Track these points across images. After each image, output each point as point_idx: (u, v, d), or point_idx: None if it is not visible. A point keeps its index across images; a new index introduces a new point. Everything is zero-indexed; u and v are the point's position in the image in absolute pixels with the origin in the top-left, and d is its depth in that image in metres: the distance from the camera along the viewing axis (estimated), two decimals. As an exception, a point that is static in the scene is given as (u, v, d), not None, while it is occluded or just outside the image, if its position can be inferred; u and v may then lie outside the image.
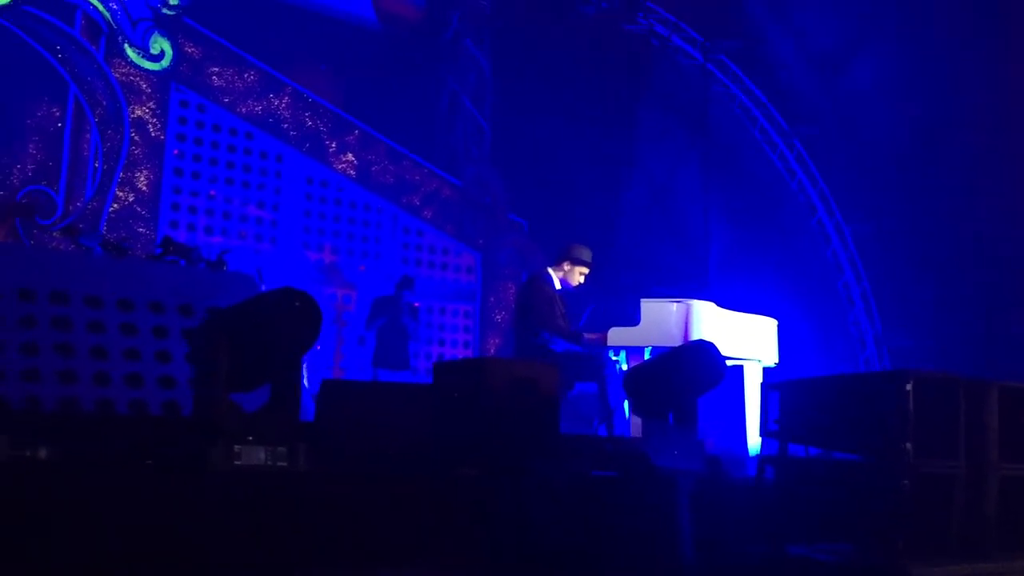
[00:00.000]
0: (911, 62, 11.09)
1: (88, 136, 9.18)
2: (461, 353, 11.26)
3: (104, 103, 9.24)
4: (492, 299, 11.53)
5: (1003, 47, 10.72)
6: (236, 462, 3.45)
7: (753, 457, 5.81)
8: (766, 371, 6.67)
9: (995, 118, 10.83)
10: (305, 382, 6.63)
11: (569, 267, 6.49)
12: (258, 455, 3.52)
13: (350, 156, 10.72)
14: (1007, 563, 3.47)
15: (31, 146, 8.93)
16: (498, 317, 11.47)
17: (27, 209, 7.61)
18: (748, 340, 6.48)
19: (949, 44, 10.77)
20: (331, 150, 10.63)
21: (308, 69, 10.54)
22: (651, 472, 4.42)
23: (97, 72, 9.21)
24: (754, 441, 6.17)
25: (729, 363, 5.58)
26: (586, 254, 6.52)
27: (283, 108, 10.34)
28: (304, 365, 4.72)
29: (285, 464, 3.59)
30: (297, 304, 3.76)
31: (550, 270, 6.52)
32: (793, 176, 12.90)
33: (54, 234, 8.65)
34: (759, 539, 3.82)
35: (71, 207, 9.01)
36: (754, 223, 11.86)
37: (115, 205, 9.24)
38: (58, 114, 9.07)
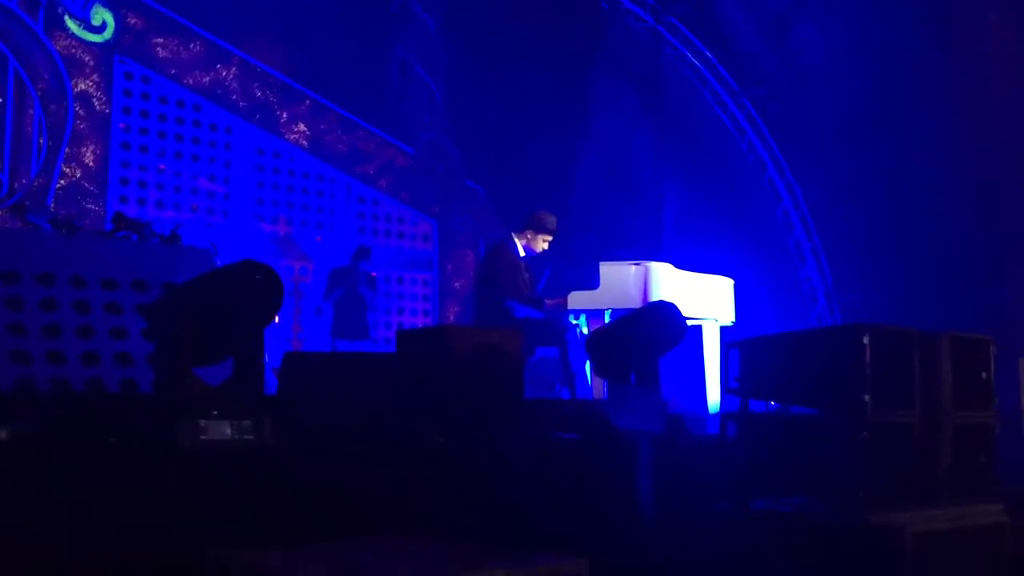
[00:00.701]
0: (859, 19, 11.20)
1: (31, 111, 8.95)
2: (421, 321, 11.26)
3: (46, 77, 9.01)
4: (450, 267, 11.51)
5: (949, 4, 10.86)
6: (202, 437, 3.43)
7: (714, 415, 5.91)
8: (723, 330, 6.77)
9: (943, 71, 10.99)
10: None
11: (533, 235, 6.50)
12: (224, 429, 3.51)
13: (302, 126, 10.59)
14: (962, 508, 3.58)
15: (-29, 122, 8.70)
16: (456, 284, 11.47)
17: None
18: (706, 300, 6.57)
19: (898, 5, 10.89)
20: (282, 120, 10.48)
21: (256, 38, 10.36)
22: (612, 433, 4.49)
23: (37, 45, 8.97)
24: (714, 399, 6.27)
25: (688, 323, 5.66)
26: (551, 221, 6.53)
27: (231, 79, 10.17)
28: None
29: (251, 438, 3.57)
30: (258, 276, 3.73)
31: (514, 236, 6.53)
32: (743, 136, 13.00)
33: (0, 212, 8.45)
34: (723, 496, 3.89)
35: (16, 185, 8.80)
36: (708, 184, 11.95)
37: (62, 181, 9.05)
38: (-2, 89, 8.83)
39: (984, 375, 3.81)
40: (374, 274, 9.83)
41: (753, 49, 12.73)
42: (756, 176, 13.02)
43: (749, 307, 7.57)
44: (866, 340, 3.35)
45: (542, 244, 6.54)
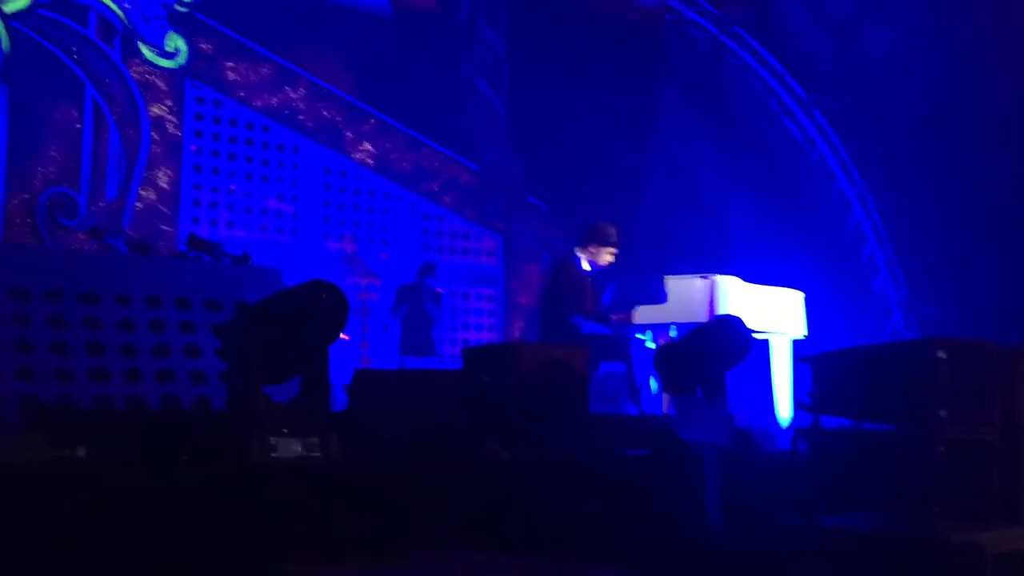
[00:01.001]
0: (930, 24, 10.94)
1: (107, 136, 9.23)
2: (486, 337, 11.28)
3: (122, 102, 9.29)
4: (515, 282, 11.53)
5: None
6: (273, 454, 3.49)
7: (783, 430, 5.81)
8: (794, 343, 6.65)
9: (1019, 77, 10.67)
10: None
11: (596, 248, 6.45)
12: (293, 447, 3.56)
13: (367, 145, 10.73)
14: (1045, 527, 3.46)
15: (52, 148, 9.00)
16: (522, 300, 11.48)
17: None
18: (774, 313, 6.46)
19: (968, 4, 10.62)
20: (348, 139, 10.64)
21: (323, 60, 10.54)
22: (680, 448, 4.44)
23: (113, 72, 9.26)
24: (783, 414, 6.16)
25: (756, 337, 5.57)
26: (612, 233, 6.48)
27: (299, 100, 10.36)
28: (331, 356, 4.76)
29: (319, 454, 3.62)
30: (324, 296, 3.79)
31: (577, 251, 6.49)
32: (813, 145, 12.79)
33: (79, 235, 8.72)
34: (792, 511, 3.82)
35: (94, 207, 9.08)
36: (775, 195, 11.78)
37: (138, 204, 9.31)
38: (77, 115, 9.12)
39: (1068, 389, 3.67)
40: (439, 290, 9.90)
41: (820, 56, 12.53)
42: (825, 186, 12.79)
43: (820, 320, 7.42)
44: (942, 354, 3.27)
45: (606, 257, 6.48)
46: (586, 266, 6.45)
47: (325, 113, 10.51)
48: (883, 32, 11.29)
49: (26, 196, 8.78)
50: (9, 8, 8.65)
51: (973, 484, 3.40)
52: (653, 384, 6.07)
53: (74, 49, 9.07)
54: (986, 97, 10.76)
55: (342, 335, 4.07)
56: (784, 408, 6.20)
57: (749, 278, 6.49)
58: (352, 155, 10.66)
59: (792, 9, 12.32)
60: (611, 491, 4.00)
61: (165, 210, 9.50)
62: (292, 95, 10.33)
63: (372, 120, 10.77)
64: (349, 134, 10.65)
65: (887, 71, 11.33)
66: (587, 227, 6.54)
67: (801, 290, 6.84)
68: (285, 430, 3.57)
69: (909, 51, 11.03)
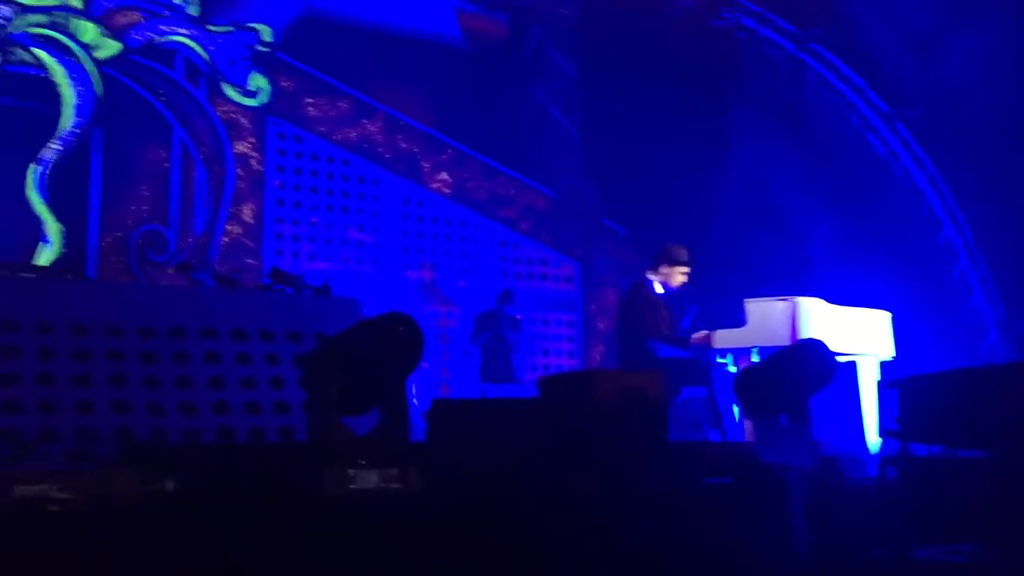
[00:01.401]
0: (1011, 36, 10.61)
1: (194, 174, 9.54)
2: (566, 363, 11.24)
3: (207, 141, 9.60)
4: (593, 307, 11.48)
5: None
6: (350, 486, 3.52)
7: (872, 456, 5.63)
8: (883, 365, 6.46)
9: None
10: (414, 400, 6.74)
11: (668, 269, 6.39)
12: (371, 478, 3.59)
13: (444, 175, 10.85)
14: None
15: (142, 187, 9.34)
16: (601, 325, 11.42)
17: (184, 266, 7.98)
18: (860, 335, 6.29)
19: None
20: (425, 170, 10.78)
21: (399, 92, 10.73)
22: (763, 475, 4.33)
23: (199, 112, 9.58)
24: (872, 440, 5.98)
25: (841, 359, 5.43)
26: (683, 253, 6.41)
27: (376, 132, 10.55)
28: (412, 384, 4.80)
29: (398, 486, 3.64)
30: (401, 328, 3.83)
31: (650, 275, 6.44)
32: (897, 160, 12.47)
33: (168, 271, 9.01)
34: (883, 542, 3.69)
35: (183, 243, 9.38)
36: (859, 213, 11.50)
37: (224, 239, 9.58)
38: (165, 155, 9.45)
39: None
40: (519, 317, 9.91)
41: (902, 69, 12.24)
42: (913, 202, 12.44)
43: (910, 341, 7.20)
44: (1037, 377, 3.13)
45: (679, 277, 6.40)
46: (659, 289, 6.39)
47: (402, 145, 10.68)
48: (966, 43, 10.97)
49: (118, 234, 9.12)
50: (101, 55, 9.04)
51: (1076, 513, 3.23)
52: (736, 410, 5.96)
53: (162, 92, 9.42)
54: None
55: (421, 364, 4.11)
56: (873, 433, 6.02)
57: (833, 299, 6.34)
58: (429, 185, 10.79)
59: (871, 23, 12.07)
60: (693, 521, 3.93)
61: (250, 244, 9.74)
62: (370, 128, 10.53)
63: (448, 150, 10.89)
64: (426, 164, 10.79)
65: (971, 83, 11.00)
66: (657, 249, 6.49)
67: (889, 310, 6.65)
68: (363, 461, 3.61)
69: (993, 61, 10.70)
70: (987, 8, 10.79)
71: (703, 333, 6.27)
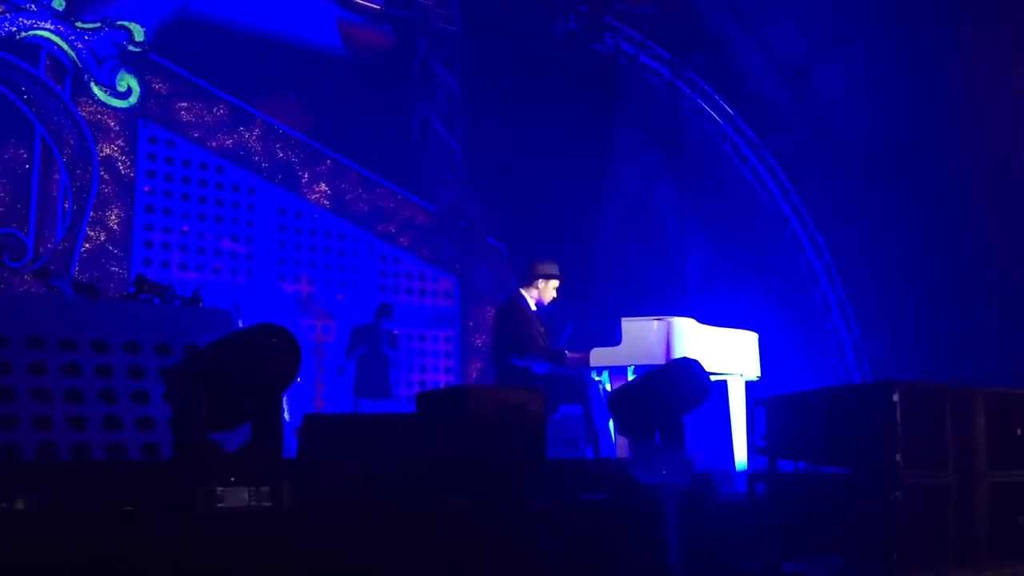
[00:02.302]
0: (878, 69, 11.20)
1: (57, 176, 9.08)
2: (443, 379, 11.20)
3: (72, 142, 9.15)
4: (471, 323, 11.48)
5: (972, 51, 10.83)
6: (219, 504, 3.38)
7: (741, 473, 5.79)
8: (748, 385, 6.66)
9: (966, 121, 10.93)
10: (286, 415, 6.56)
11: (542, 284, 6.43)
12: (241, 496, 3.45)
13: (323, 186, 10.67)
14: (1001, 570, 3.46)
15: (0, 189, 8.83)
16: (479, 341, 11.42)
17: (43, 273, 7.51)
18: (730, 354, 6.47)
19: (916, 50, 10.89)
20: (304, 180, 10.58)
21: (278, 100, 10.51)
22: (638, 492, 4.39)
23: (64, 111, 9.13)
24: (741, 457, 6.15)
25: (712, 378, 5.57)
26: (552, 267, 6.46)
27: (254, 140, 10.30)
28: (284, 399, 4.67)
29: (269, 504, 3.52)
30: (275, 340, 3.70)
31: (523, 291, 6.46)
32: (765, 187, 12.97)
33: (25, 276, 8.53)
34: (752, 556, 3.79)
35: (41, 249, 8.90)
36: (730, 236, 11.90)
37: (86, 245, 9.14)
38: (26, 155, 8.97)
39: (1021, 431, 3.70)
40: (396, 332, 9.82)
41: (774, 99, 12.75)
42: (779, 227, 12.96)
43: (775, 361, 7.45)
44: (896, 397, 3.27)
45: (551, 292, 6.45)
46: (533, 305, 6.42)
47: (280, 154, 10.45)
48: (833, 77, 11.53)
49: (-29, 237, 8.59)
50: (-43, 47, 8.53)
51: (930, 528, 3.39)
52: (611, 427, 6.03)
53: (24, 88, 8.94)
54: (931, 140, 11.00)
55: (295, 378, 3.99)
56: (742, 451, 6.19)
57: (705, 319, 6.50)
58: (308, 196, 10.59)
59: (745, 52, 12.55)
60: (570, 537, 3.94)
61: (116, 251, 9.33)
62: (247, 136, 10.27)
63: (328, 161, 10.72)
64: (305, 175, 10.59)
65: (836, 115, 11.56)
66: (527, 265, 6.52)
67: (756, 331, 6.86)
68: (232, 479, 3.47)
69: (858, 96, 11.27)
70: (854, 40, 11.37)
71: (579, 355, 6.33)
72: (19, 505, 3.37)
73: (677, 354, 5.93)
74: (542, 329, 6.41)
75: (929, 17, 10.67)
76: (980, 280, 10.82)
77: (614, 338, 6.24)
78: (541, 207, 10.98)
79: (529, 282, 6.43)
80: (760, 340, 6.86)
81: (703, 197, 11.91)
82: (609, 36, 12.30)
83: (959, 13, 10.66)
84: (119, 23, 9.42)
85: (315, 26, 11.03)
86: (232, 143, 10.15)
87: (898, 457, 3.23)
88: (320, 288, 10.58)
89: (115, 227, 9.36)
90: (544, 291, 6.42)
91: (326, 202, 10.69)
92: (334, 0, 11.09)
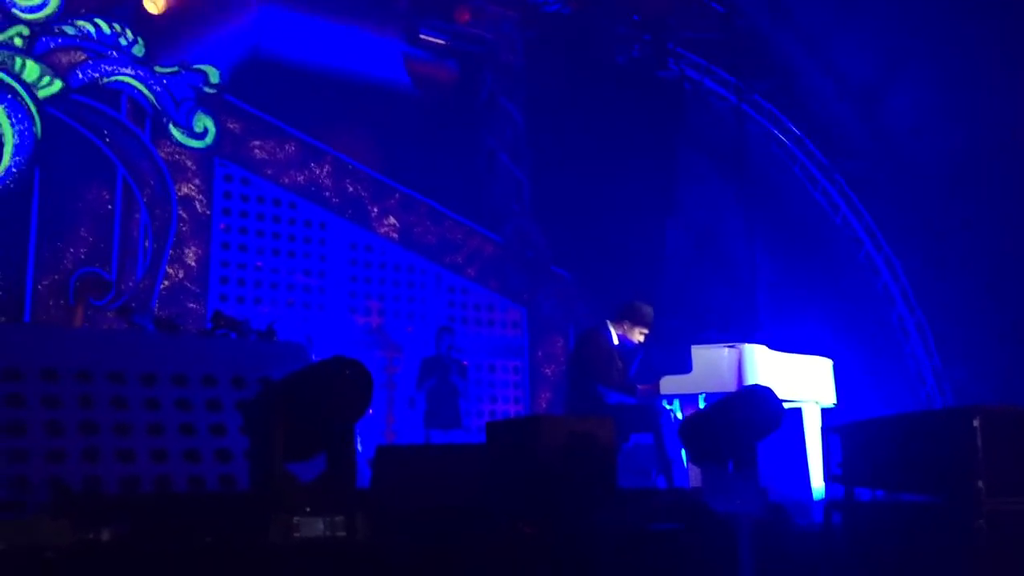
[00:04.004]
0: (949, 89, 10.99)
1: (137, 216, 9.39)
2: (512, 409, 11.20)
3: (151, 183, 9.46)
4: (540, 353, 11.48)
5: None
6: (295, 534, 3.44)
7: (818, 502, 5.67)
8: (824, 412, 6.54)
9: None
10: (359, 447, 6.64)
11: (630, 326, 6.46)
12: (317, 526, 3.51)
13: (392, 219, 10.83)
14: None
15: (83, 229, 9.16)
16: (547, 371, 11.41)
17: (126, 310, 7.76)
18: (804, 381, 6.37)
19: (987, 69, 10.66)
20: (373, 215, 10.75)
21: (348, 136, 10.72)
22: (711, 521, 4.33)
23: (144, 153, 9.45)
24: (818, 485, 6.03)
25: (786, 406, 5.48)
26: (648, 313, 6.48)
27: (324, 176, 10.51)
28: (357, 431, 4.73)
29: (344, 534, 3.57)
30: (348, 372, 3.77)
31: (609, 324, 6.48)
32: (837, 211, 12.77)
33: (108, 314, 8.81)
34: (831, 588, 3.70)
35: (123, 287, 9.19)
36: (801, 261, 11.73)
37: (166, 282, 9.41)
38: (108, 196, 9.30)
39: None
40: (465, 363, 9.87)
41: (842, 121, 12.59)
42: (852, 251, 12.73)
43: (851, 388, 7.31)
44: (977, 423, 3.19)
45: (638, 336, 6.49)
46: (615, 340, 6.44)
47: (350, 189, 10.65)
48: (903, 99, 11.34)
49: (56, 277, 8.90)
50: (43, 93, 8.90)
51: (1013, 556, 3.28)
52: (683, 456, 5.97)
53: (106, 132, 9.29)
54: (1004, 159, 10.72)
55: (368, 410, 4.05)
56: (818, 479, 6.07)
57: (777, 346, 6.42)
58: (378, 229, 10.76)
59: (812, 76, 12.43)
60: (643, 567, 3.90)
61: (193, 288, 9.59)
62: (318, 172, 10.49)
63: (397, 194, 10.88)
64: (374, 209, 10.76)
65: (908, 136, 11.35)
66: (625, 304, 6.55)
67: (830, 357, 6.75)
68: (308, 509, 3.53)
69: (929, 114, 11.05)
70: (923, 62, 11.17)
71: (650, 385, 6.30)
72: (105, 536, 3.48)
73: (749, 381, 5.87)
74: (620, 365, 6.42)
75: (995, 36, 10.45)
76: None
77: (684, 366, 6.20)
78: (607, 236, 10.97)
79: (620, 319, 6.46)
80: (835, 366, 6.74)
81: (772, 221, 11.78)
82: (673, 63, 12.31)
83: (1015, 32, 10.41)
84: (195, 67, 9.75)
85: (382, 63, 11.25)
86: (304, 179, 10.39)
87: (980, 484, 3.15)
88: (390, 320, 10.71)
89: (192, 264, 9.63)
90: (631, 332, 6.46)
91: (395, 235, 10.84)
92: (401, 37, 11.30)
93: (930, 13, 10.83)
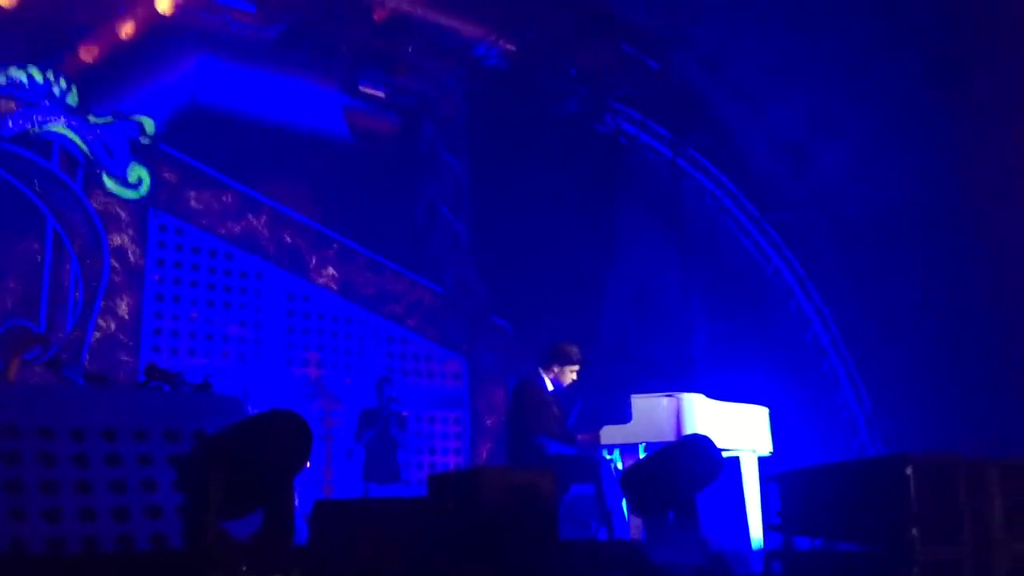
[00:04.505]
0: (879, 143, 11.35)
1: (68, 267, 9.18)
2: (452, 460, 11.11)
3: (83, 233, 9.28)
4: (480, 403, 11.44)
5: (972, 127, 10.95)
6: (230, 594, 3.35)
7: (757, 552, 5.71)
8: (761, 461, 6.61)
9: (967, 189, 10.99)
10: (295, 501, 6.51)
11: (559, 368, 6.49)
12: (253, 585, 3.42)
13: (331, 270, 10.76)
14: (1027, 647, 3.39)
15: (11, 280, 8.92)
16: (488, 422, 11.37)
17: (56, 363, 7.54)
18: (741, 430, 6.44)
19: (918, 124, 11.03)
20: (312, 265, 10.67)
21: (286, 186, 10.66)
22: (653, 573, 4.33)
23: (75, 203, 9.28)
24: (757, 535, 6.07)
25: (724, 455, 5.53)
26: (574, 352, 6.52)
27: (262, 226, 10.42)
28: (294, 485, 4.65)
29: (281, 593, 3.49)
30: (286, 425, 3.72)
31: (541, 372, 6.50)
32: (769, 261, 13.03)
33: (36, 368, 8.56)
34: (771, 638, 3.71)
35: (53, 339, 8.95)
36: (736, 311, 11.92)
37: (97, 334, 9.18)
38: (37, 247, 9.09)
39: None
40: (405, 414, 9.78)
41: (774, 174, 12.90)
42: (784, 301, 12.98)
43: (787, 436, 7.40)
44: (909, 471, 3.25)
45: (570, 375, 6.51)
46: (550, 386, 6.45)
47: (288, 239, 10.57)
48: (834, 152, 11.68)
49: (-18, 329, 8.65)
50: (-28, 143, 8.72)
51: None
52: (624, 506, 5.97)
53: (36, 182, 9.10)
54: (935, 208, 11.05)
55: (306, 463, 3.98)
56: (756, 529, 6.11)
57: (715, 394, 6.49)
58: (316, 280, 10.67)
59: (743, 129, 12.75)
60: (584, 622, 3.88)
61: (125, 340, 9.38)
62: (255, 222, 10.40)
63: (335, 245, 10.83)
64: (313, 259, 10.69)
65: (838, 189, 11.68)
66: (549, 348, 6.58)
67: (767, 406, 6.84)
68: (244, 568, 3.44)
69: (859, 169, 11.40)
70: (853, 115, 11.54)
71: (589, 434, 6.31)
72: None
73: (688, 430, 5.92)
74: (557, 412, 6.42)
75: (926, 91, 10.85)
76: (994, 349, 10.76)
77: (624, 416, 6.23)
78: (547, 286, 11.04)
79: (548, 364, 6.49)
80: (771, 415, 6.83)
81: (708, 273, 11.97)
82: (610, 117, 12.53)
83: (953, 84, 10.83)
84: (131, 116, 9.63)
85: (321, 113, 11.25)
86: (240, 229, 10.28)
87: (915, 532, 3.20)
88: (328, 371, 10.59)
89: (124, 316, 9.43)
90: (561, 374, 6.49)
91: (334, 286, 10.76)
92: (340, 88, 11.34)
93: (862, 67, 11.22)
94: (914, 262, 11.22)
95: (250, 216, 10.37)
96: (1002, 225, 10.87)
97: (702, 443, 5.06)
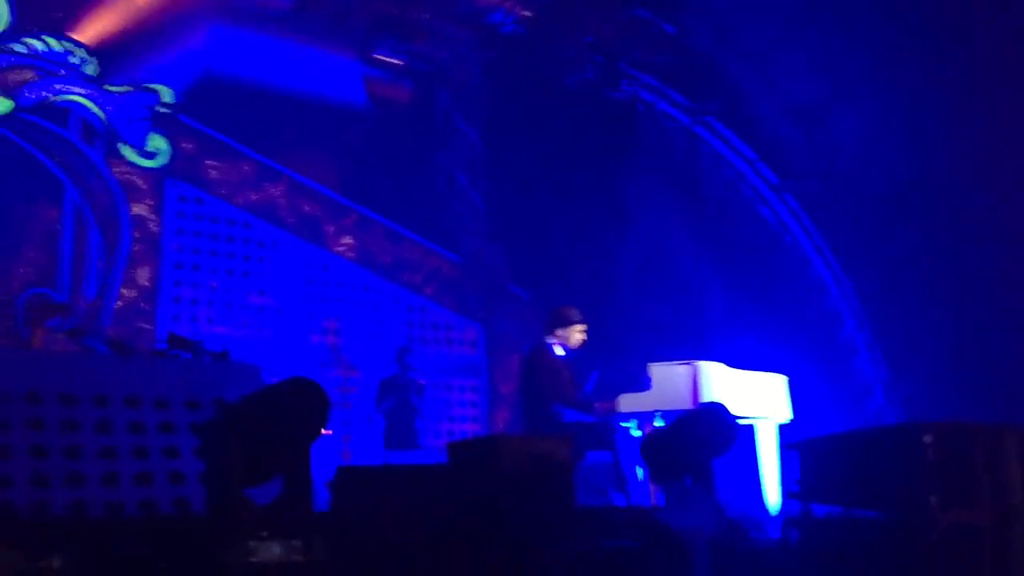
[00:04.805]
0: (897, 110, 11.21)
1: (88, 236, 9.24)
2: (470, 428, 11.17)
3: (102, 203, 9.33)
4: (498, 372, 11.48)
5: (991, 95, 10.80)
6: (252, 559, 3.40)
7: (773, 518, 5.74)
8: (781, 428, 6.61)
9: (985, 153, 10.85)
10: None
11: (564, 331, 6.47)
12: (273, 550, 3.47)
13: (349, 239, 10.79)
14: (1043, 613, 3.40)
15: (32, 250, 8.99)
16: (505, 390, 11.41)
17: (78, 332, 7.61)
18: (758, 398, 6.44)
19: (935, 90, 10.88)
20: (329, 234, 10.69)
21: (303, 156, 10.67)
22: (668, 539, 4.36)
23: (94, 173, 9.32)
24: (773, 501, 6.10)
25: (741, 423, 5.54)
26: (573, 313, 6.50)
27: (279, 196, 10.45)
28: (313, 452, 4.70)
29: (301, 558, 3.54)
30: (304, 393, 3.75)
31: (548, 339, 6.50)
32: (786, 229, 12.95)
33: (58, 336, 8.65)
34: (788, 603, 3.74)
35: (75, 308, 9.03)
36: (753, 279, 11.87)
37: (118, 303, 9.26)
38: (57, 216, 9.15)
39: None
40: (423, 382, 9.84)
41: (791, 142, 12.78)
42: (802, 269, 12.92)
43: (806, 404, 7.40)
44: (928, 439, 3.26)
45: (578, 336, 6.48)
46: (559, 351, 6.44)
47: (306, 208, 10.59)
48: (851, 119, 11.55)
49: (4, 298, 8.72)
50: (-9, 113, 8.75)
51: (966, 570, 3.35)
52: (640, 473, 6.00)
53: (55, 151, 9.15)
54: (950, 175, 10.93)
55: (324, 430, 4.02)
56: (773, 495, 6.13)
57: (731, 363, 6.49)
58: (333, 249, 10.70)
59: (761, 97, 12.62)
60: (601, 586, 3.92)
61: (145, 308, 9.45)
62: (273, 191, 10.42)
63: (353, 214, 10.85)
64: (330, 228, 10.71)
65: (856, 156, 11.56)
66: (549, 314, 6.56)
67: (784, 373, 6.83)
68: (265, 533, 3.49)
69: (877, 136, 11.27)
70: (870, 82, 11.40)
71: (607, 403, 6.32)
72: (55, 563, 3.41)
73: (705, 398, 5.93)
74: (569, 376, 6.42)
75: (943, 57, 10.69)
76: (1013, 316, 10.68)
77: (641, 384, 6.24)
78: (562, 255, 11.03)
79: (551, 330, 6.48)
80: (790, 383, 6.83)
81: (724, 241, 11.92)
82: (626, 84, 12.43)
83: (974, 50, 10.67)
84: (148, 85, 9.64)
85: (338, 82, 11.22)
86: (258, 199, 10.31)
87: (933, 500, 3.21)
88: (346, 340, 10.65)
89: (145, 284, 9.50)
90: (569, 336, 6.46)
91: (352, 255, 10.79)
92: (356, 56, 11.29)
93: (876, 34, 11.07)
94: (932, 229, 11.12)
95: (268, 185, 10.39)
96: (1021, 183, 10.75)
97: (718, 411, 5.06)
